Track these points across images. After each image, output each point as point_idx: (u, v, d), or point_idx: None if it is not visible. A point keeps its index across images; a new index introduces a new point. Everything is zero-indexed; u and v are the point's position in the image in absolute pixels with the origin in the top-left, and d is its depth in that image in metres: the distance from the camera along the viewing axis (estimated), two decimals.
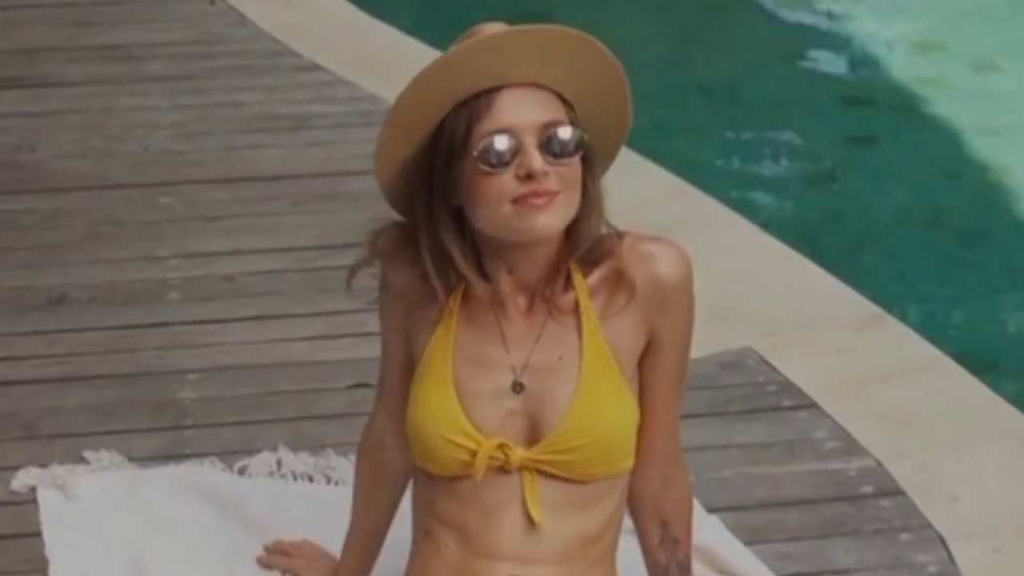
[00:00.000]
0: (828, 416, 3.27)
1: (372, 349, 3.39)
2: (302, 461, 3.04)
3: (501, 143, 2.16)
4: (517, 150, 2.16)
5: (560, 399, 2.29)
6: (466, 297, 2.30)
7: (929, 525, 2.97)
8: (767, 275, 3.86)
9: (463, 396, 2.29)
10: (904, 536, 2.93)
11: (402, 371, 2.41)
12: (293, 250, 3.92)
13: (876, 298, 3.68)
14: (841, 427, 3.24)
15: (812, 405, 3.30)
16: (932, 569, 2.85)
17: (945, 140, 5.61)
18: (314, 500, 2.92)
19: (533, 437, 2.30)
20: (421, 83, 2.18)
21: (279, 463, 3.04)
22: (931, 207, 5.27)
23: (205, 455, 3.06)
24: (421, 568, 2.35)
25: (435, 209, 2.23)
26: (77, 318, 3.59)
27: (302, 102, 4.82)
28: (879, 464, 3.14)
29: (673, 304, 2.31)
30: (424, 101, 2.19)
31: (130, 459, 3.05)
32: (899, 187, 5.44)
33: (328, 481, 3.00)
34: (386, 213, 2.33)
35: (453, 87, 2.18)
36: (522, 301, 2.30)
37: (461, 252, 2.23)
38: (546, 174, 2.16)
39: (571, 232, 2.24)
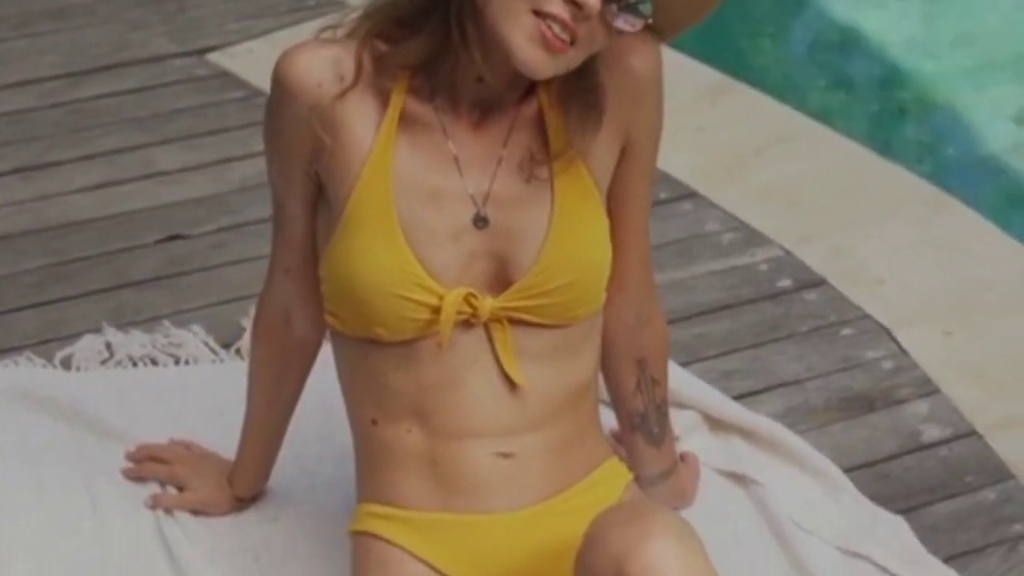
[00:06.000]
0: (715, 205, 2.89)
1: (173, 191, 2.89)
2: (137, 341, 2.48)
3: None
4: None
5: (532, 232, 1.82)
6: (403, 118, 1.79)
7: (866, 315, 2.64)
8: None
9: (414, 241, 1.79)
10: (845, 331, 2.60)
11: (310, 218, 1.90)
12: (31, 83, 3.26)
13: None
14: (732, 216, 2.87)
15: (693, 194, 2.90)
16: (888, 365, 2.53)
17: None
18: (168, 388, 2.38)
19: (501, 281, 1.83)
20: None
21: (109, 347, 2.47)
22: None
23: (12, 351, 2.47)
24: (375, 468, 1.88)
25: None
26: None
27: None
28: (788, 252, 2.78)
29: (647, 100, 1.87)
30: None
31: None
32: None
33: (176, 361, 2.46)
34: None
35: None
36: (475, 115, 1.81)
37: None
38: (588, 18, 1.66)
39: None
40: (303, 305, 1.97)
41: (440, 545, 1.83)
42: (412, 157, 1.80)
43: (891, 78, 3.77)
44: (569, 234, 1.83)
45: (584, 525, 1.78)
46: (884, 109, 3.66)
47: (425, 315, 1.81)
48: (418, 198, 1.80)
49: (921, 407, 2.43)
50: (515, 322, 1.84)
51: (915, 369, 2.51)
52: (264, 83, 3.17)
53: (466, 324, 1.83)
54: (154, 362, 2.45)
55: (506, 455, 1.85)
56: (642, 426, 2.06)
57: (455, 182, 1.81)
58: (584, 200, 1.84)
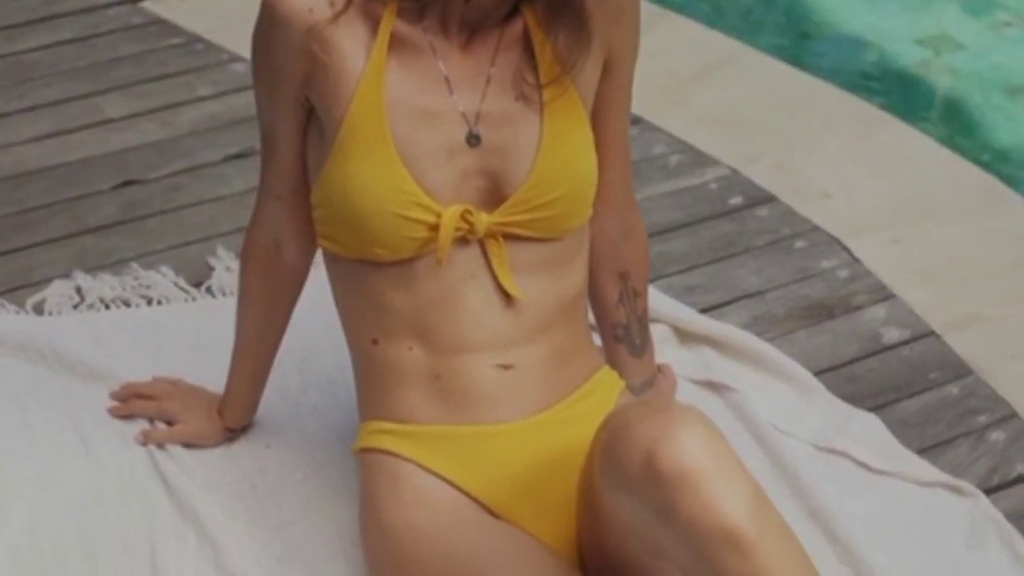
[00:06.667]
0: (661, 130, 2.95)
1: (123, 138, 2.90)
2: (106, 284, 2.49)
3: None
4: None
5: (524, 148, 1.86)
6: (393, 41, 1.82)
7: (817, 227, 2.71)
8: None
9: (409, 161, 1.83)
10: (799, 244, 2.67)
11: (300, 145, 1.93)
12: None
13: None
14: (678, 139, 2.93)
15: (638, 119, 2.96)
16: (843, 274, 2.60)
17: None
18: (144, 328, 2.39)
19: (495, 198, 1.87)
20: None
21: (79, 291, 2.48)
22: None
23: None
24: (378, 387, 1.92)
25: None
26: None
27: None
28: (735, 172, 2.85)
29: (628, 12, 1.93)
30: None
31: None
32: None
33: (149, 302, 2.47)
34: None
35: None
36: (464, 35, 1.84)
37: None
38: None
39: None
40: (293, 232, 2.00)
41: (447, 456, 1.88)
42: (404, 79, 1.84)
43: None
44: (559, 148, 1.87)
45: (583, 431, 1.85)
46: (805, 32, 3.72)
47: (423, 233, 1.85)
48: (411, 118, 1.84)
49: (879, 311, 2.51)
50: (509, 237, 1.88)
51: (869, 276, 2.60)
52: (200, 30, 3.23)
53: (462, 241, 1.87)
54: (127, 304, 2.46)
55: (506, 367, 1.89)
56: (625, 338, 2.12)
57: (447, 101, 1.85)
58: (572, 115, 1.88)
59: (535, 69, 1.86)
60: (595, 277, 2.07)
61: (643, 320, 2.13)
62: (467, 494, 1.85)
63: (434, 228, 1.85)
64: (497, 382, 1.89)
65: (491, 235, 1.87)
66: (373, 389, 1.94)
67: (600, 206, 1.99)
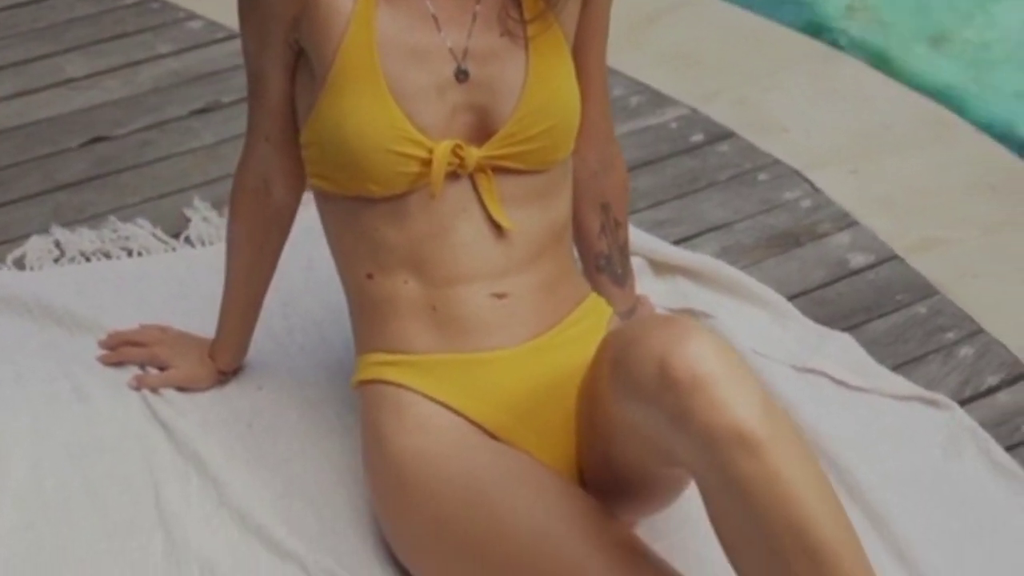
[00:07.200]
0: (618, 71, 2.99)
1: (88, 96, 2.92)
2: (85, 237, 2.51)
3: None
4: None
5: (510, 83, 1.91)
6: None
7: (778, 160, 2.78)
8: None
9: (400, 98, 1.87)
10: (761, 176, 2.74)
11: (289, 86, 1.96)
12: None
13: None
14: (636, 80, 2.98)
15: None
16: (806, 203, 2.67)
17: None
18: (127, 279, 2.42)
19: (483, 132, 1.92)
20: None
21: (58, 245, 2.50)
22: None
23: None
24: (375, 320, 1.96)
25: None
26: None
27: None
28: (694, 110, 2.91)
29: None
30: None
31: None
32: None
33: (129, 253, 2.50)
34: None
35: None
36: None
37: None
38: None
39: None
40: (282, 173, 2.04)
41: (448, 384, 1.92)
42: (392, 17, 1.88)
43: None
44: (545, 82, 1.92)
45: (577, 355, 1.91)
46: None
47: (416, 168, 1.89)
48: (401, 56, 1.88)
49: (843, 238, 2.58)
50: (498, 170, 1.93)
51: (831, 205, 2.67)
52: None
53: (452, 176, 1.92)
54: (107, 256, 2.49)
55: (500, 295, 1.94)
56: (607, 268, 2.17)
57: (435, 38, 1.89)
58: (556, 50, 1.93)
59: (519, 5, 1.91)
60: (577, 209, 2.12)
61: (624, 250, 2.19)
62: (469, 419, 1.90)
63: (426, 163, 1.89)
64: (492, 310, 1.94)
65: (481, 169, 1.92)
66: (370, 323, 1.98)
67: (581, 140, 2.04)
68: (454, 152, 1.90)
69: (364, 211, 1.94)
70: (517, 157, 1.93)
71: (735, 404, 1.58)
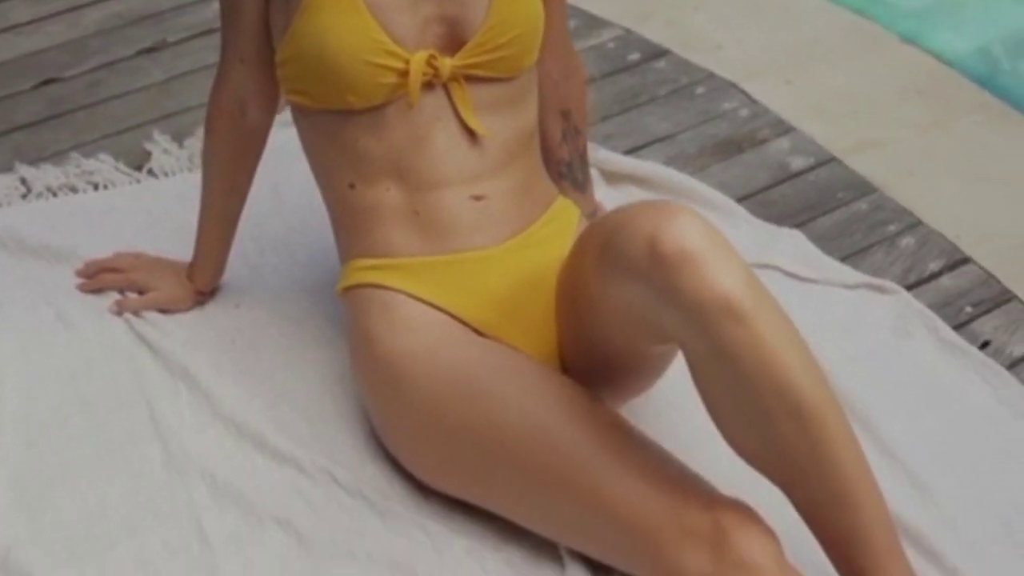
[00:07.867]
0: None
1: (33, 41, 2.97)
2: (50, 174, 2.56)
3: None
4: None
5: None
6: None
7: (713, 74, 2.89)
8: None
9: (376, 11, 1.95)
10: (699, 90, 2.84)
11: (263, 8, 2.04)
12: None
13: None
14: (570, 4, 3.04)
15: None
16: (744, 113, 2.78)
17: None
18: (96, 211, 2.47)
19: (455, 43, 2.00)
20: None
21: (24, 182, 2.55)
22: None
23: None
24: (359, 228, 2.04)
25: None
26: None
27: None
28: (628, 31, 3.01)
29: None
30: None
31: None
32: None
33: (96, 187, 2.55)
34: None
35: None
36: None
37: None
38: None
39: None
40: (257, 92, 2.11)
41: (432, 284, 2.01)
42: None
43: None
44: None
45: (551, 253, 2.01)
46: None
47: (393, 79, 1.97)
48: None
49: (783, 144, 2.70)
50: (470, 79, 2.01)
51: (768, 114, 2.78)
52: None
53: (427, 85, 2.00)
54: (74, 190, 2.54)
55: (478, 198, 2.03)
56: (569, 174, 2.27)
57: None
58: None
59: None
60: (542, 120, 2.20)
61: (584, 157, 2.29)
62: (455, 317, 1.99)
63: (403, 74, 1.97)
64: (471, 212, 2.03)
65: (454, 78, 2.00)
66: (354, 231, 2.06)
67: (543, 51, 2.12)
68: (428, 62, 1.98)
69: (344, 124, 2.01)
70: (488, 65, 2.01)
71: (722, 275, 1.67)
